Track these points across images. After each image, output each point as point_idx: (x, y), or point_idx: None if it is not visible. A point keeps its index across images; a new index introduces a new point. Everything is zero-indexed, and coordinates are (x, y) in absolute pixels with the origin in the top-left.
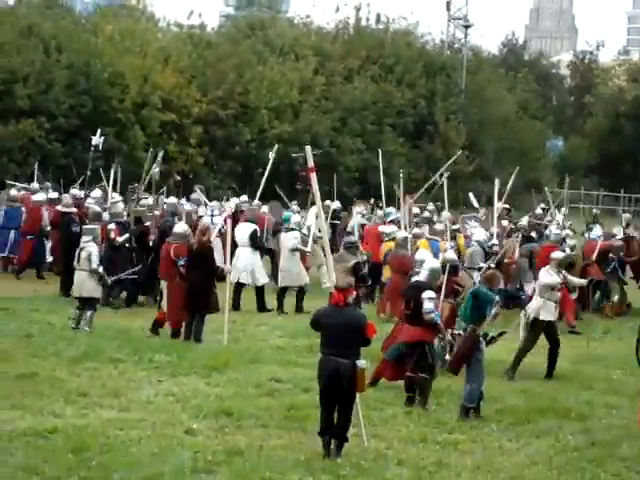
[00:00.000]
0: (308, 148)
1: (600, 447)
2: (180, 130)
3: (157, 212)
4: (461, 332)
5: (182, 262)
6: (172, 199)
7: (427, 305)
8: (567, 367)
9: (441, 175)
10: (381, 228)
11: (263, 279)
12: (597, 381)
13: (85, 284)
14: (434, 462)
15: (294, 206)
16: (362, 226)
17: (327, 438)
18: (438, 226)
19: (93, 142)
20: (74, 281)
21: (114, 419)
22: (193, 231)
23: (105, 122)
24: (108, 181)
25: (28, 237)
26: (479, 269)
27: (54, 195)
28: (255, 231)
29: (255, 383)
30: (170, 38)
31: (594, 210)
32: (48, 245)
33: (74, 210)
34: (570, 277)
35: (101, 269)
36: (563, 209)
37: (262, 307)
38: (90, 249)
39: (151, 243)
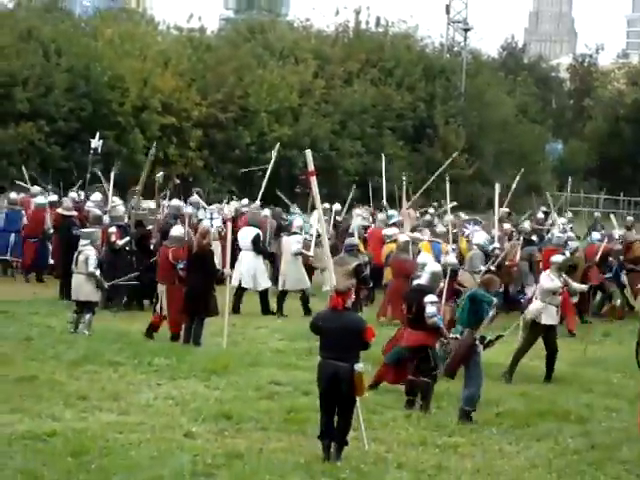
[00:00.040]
0: (308, 152)
1: (600, 450)
2: (180, 133)
3: (159, 216)
4: (457, 336)
5: (181, 265)
6: (175, 201)
7: (430, 309)
8: (566, 370)
9: (444, 179)
10: (384, 231)
11: (265, 284)
12: (597, 384)
13: (82, 287)
14: (434, 465)
15: (296, 209)
16: (364, 228)
17: (327, 441)
18: (440, 228)
19: (92, 145)
20: (72, 284)
21: (113, 422)
22: (193, 234)
23: (105, 125)
24: (107, 183)
25: (31, 240)
26: (479, 272)
27: (54, 198)
28: (258, 235)
29: (255, 386)
30: (170, 41)
31: (595, 214)
32: (51, 248)
33: (75, 213)
34: (571, 282)
35: (98, 273)
36: (568, 213)
37: (266, 310)
38: (87, 252)
39: (152, 247)
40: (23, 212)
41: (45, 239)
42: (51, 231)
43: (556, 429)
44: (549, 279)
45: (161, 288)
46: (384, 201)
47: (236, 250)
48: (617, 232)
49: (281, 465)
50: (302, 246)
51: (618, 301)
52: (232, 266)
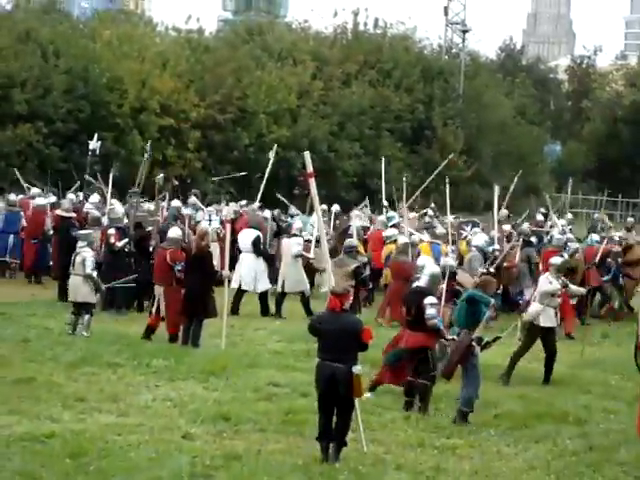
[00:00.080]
0: (307, 153)
1: (598, 452)
2: (178, 135)
3: (159, 217)
4: (455, 337)
5: (179, 267)
6: (176, 202)
7: (430, 311)
8: (565, 372)
9: (444, 181)
10: (384, 232)
11: (265, 286)
12: (595, 386)
13: (80, 289)
14: (432, 467)
15: (294, 210)
16: (363, 229)
17: (325, 443)
18: (439, 230)
19: (90, 147)
20: (69, 286)
21: (112, 424)
22: (192, 235)
23: (103, 127)
24: (105, 184)
25: (32, 241)
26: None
27: (53, 199)
28: (258, 237)
29: (253, 387)
30: (168, 43)
31: (596, 215)
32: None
33: (74, 215)
34: (570, 285)
35: (95, 274)
36: (568, 215)
37: (265, 311)
38: (85, 254)
39: (151, 248)
40: (22, 214)
41: (45, 240)
42: (51, 232)
43: (554, 431)
44: (547, 282)
45: (158, 290)
46: (384, 202)
47: (235, 252)
48: (616, 234)
49: (279, 466)
50: (302, 248)
51: (616, 303)
52: (231, 268)
